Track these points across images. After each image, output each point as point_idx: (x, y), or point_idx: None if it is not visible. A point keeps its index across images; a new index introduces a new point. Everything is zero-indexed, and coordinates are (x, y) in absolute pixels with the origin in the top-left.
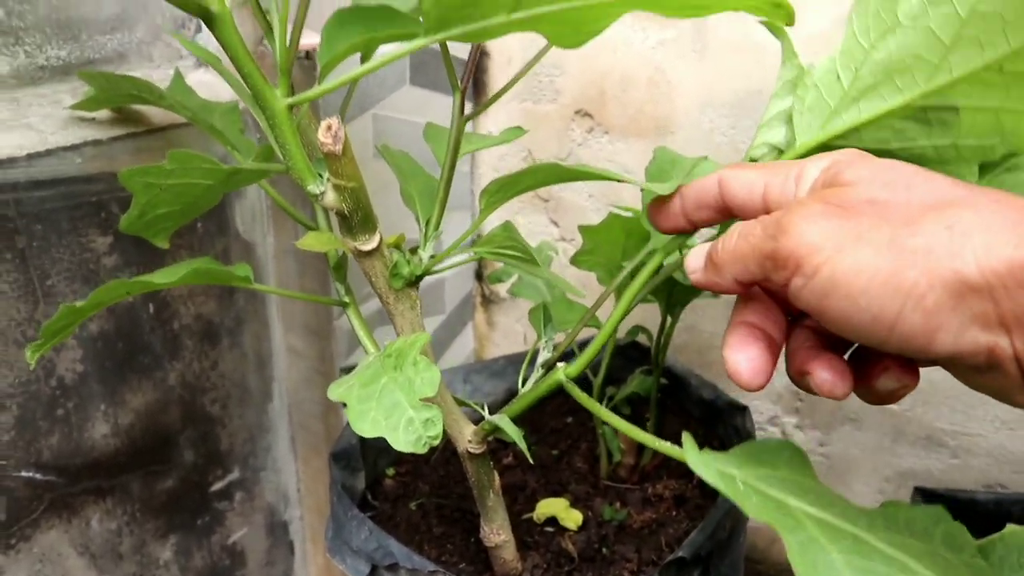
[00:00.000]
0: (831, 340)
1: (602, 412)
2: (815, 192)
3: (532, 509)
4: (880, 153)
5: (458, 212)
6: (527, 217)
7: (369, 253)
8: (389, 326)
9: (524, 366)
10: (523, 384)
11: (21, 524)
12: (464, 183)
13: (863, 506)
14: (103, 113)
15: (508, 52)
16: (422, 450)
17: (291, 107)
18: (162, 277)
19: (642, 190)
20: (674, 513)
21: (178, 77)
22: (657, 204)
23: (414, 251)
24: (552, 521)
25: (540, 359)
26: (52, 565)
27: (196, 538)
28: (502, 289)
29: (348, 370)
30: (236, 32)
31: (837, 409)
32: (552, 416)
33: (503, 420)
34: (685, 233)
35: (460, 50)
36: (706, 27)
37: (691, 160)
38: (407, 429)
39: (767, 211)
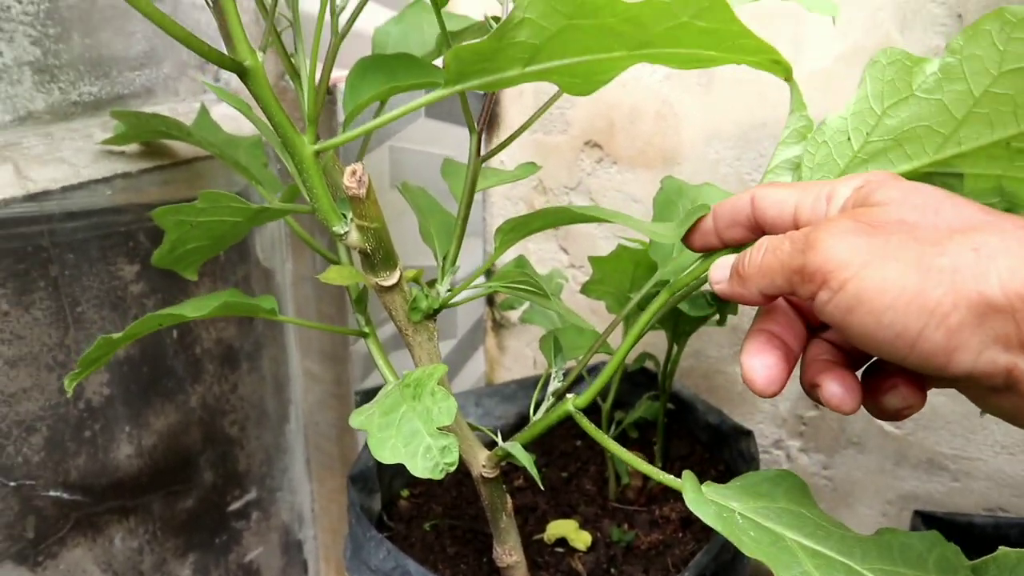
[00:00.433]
0: (847, 353)
1: (608, 443)
2: (845, 211)
3: (543, 530)
4: None
5: (471, 239)
6: (538, 244)
7: (390, 288)
8: (404, 351)
9: (536, 393)
10: (535, 411)
11: (48, 542)
12: (476, 211)
13: (860, 534)
14: (132, 146)
15: (520, 86)
16: (439, 476)
17: (317, 152)
18: (192, 310)
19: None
20: (680, 535)
21: (203, 113)
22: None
23: (431, 284)
24: (562, 542)
25: (551, 388)
26: None
27: (214, 556)
28: (513, 315)
29: (363, 393)
30: (268, 85)
31: (840, 433)
32: (562, 439)
33: (515, 447)
34: (714, 251)
35: None
36: None
37: (696, 188)
38: (425, 456)
39: (797, 229)
